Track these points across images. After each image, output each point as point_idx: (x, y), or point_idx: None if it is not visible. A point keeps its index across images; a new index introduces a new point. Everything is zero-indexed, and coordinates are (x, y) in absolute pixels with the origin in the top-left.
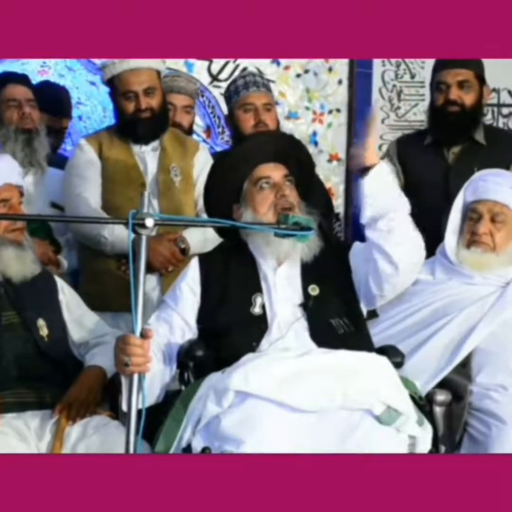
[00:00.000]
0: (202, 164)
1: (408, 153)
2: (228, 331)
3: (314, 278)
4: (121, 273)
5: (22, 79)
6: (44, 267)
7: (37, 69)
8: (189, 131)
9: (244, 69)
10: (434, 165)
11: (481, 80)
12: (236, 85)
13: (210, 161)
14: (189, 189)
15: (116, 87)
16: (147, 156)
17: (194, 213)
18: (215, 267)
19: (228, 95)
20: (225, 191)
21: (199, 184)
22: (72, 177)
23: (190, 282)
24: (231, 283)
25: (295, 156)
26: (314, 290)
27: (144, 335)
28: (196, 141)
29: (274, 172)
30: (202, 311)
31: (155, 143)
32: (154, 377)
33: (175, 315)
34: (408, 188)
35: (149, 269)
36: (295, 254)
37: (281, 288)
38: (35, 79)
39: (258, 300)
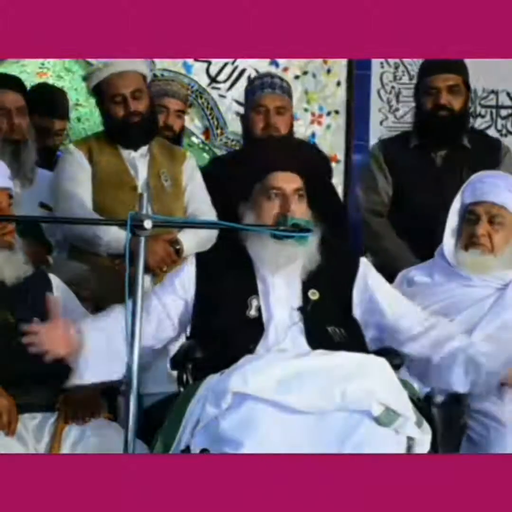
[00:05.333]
0: (190, 172)
1: (394, 155)
2: (224, 333)
3: (315, 283)
4: (115, 271)
5: (13, 84)
6: (38, 266)
7: (36, 71)
8: (179, 135)
9: (243, 71)
10: (422, 167)
11: (468, 85)
12: (253, 86)
13: (197, 169)
14: (179, 195)
15: (103, 93)
16: (137, 162)
17: (184, 218)
18: (212, 267)
19: (245, 95)
20: (235, 187)
21: (188, 191)
22: (63, 180)
23: (185, 278)
24: (227, 285)
25: (313, 168)
26: (314, 294)
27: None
28: (183, 150)
29: (287, 184)
30: (197, 311)
31: (143, 150)
32: (98, 352)
33: (156, 303)
34: (396, 188)
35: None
36: (296, 259)
37: (280, 289)
38: (34, 81)
39: (254, 303)
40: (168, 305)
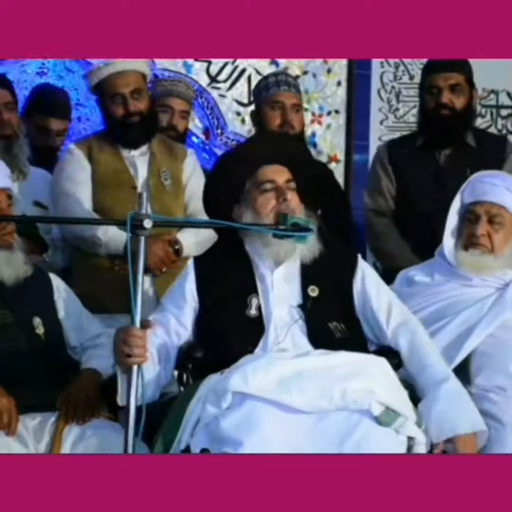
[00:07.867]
0: (191, 169)
1: (399, 155)
2: (224, 334)
3: (314, 279)
4: (115, 272)
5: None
6: (38, 266)
7: (36, 71)
8: (183, 136)
9: (243, 70)
10: (425, 167)
11: (471, 83)
12: (267, 82)
13: (198, 167)
14: (179, 194)
15: (103, 92)
16: (137, 160)
17: (184, 217)
18: (210, 268)
19: (257, 91)
20: (227, 189)
21: (188, 189)
22: (62, 180)
23: (190, 285)
24: (226, 284)
25: (298, 160)
26: (313, 291)
27: (143, 325)
28: (184, 147)
29: (278, 175)
30: (199, 312)
31: (144, 148)
32: (148, 375)
33: (172, 318)
34: (400, 189)
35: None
36: (295, 254)
37: (279, 287)
38: (34, 80)
39: (254, 301)
40: (182, 317)
